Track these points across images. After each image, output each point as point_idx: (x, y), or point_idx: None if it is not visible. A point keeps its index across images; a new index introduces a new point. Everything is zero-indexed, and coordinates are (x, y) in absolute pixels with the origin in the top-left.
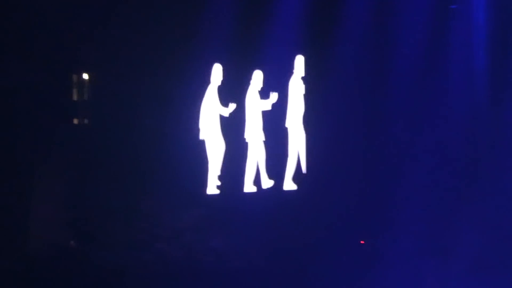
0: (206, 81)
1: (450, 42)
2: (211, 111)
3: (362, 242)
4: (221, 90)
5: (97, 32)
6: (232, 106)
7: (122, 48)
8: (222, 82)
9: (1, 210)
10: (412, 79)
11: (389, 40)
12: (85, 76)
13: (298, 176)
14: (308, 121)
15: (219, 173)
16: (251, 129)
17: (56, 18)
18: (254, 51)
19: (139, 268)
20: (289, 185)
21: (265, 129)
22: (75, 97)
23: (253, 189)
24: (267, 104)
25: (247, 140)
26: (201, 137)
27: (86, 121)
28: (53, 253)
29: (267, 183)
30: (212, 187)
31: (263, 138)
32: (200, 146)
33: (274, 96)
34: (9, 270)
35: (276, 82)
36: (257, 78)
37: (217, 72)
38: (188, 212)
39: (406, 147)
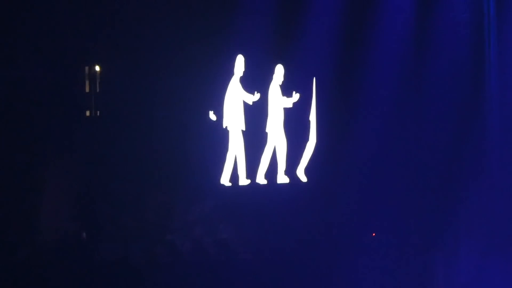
0: (229, 73)
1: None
2: (233, 103)
3: (373, 234)
4: (244, 82)
5: (117, 24)
6: (257, 95)
7: (143, 39)
8: (245, 73)
9: (12, 202)
10: (414, 76)
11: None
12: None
13: (309, 168)
14: (322, 116)
15: (240, 165)
16: (272, 123)
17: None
18: (278, 44)
19: (150, 260)
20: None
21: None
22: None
23: (264, 182)
24: (288, 102)
25: (268, 134)
26: (224, 126)
27: (99, 112)
28: (64, 245)
29: (282, 179)
30: (228, 179)
31: (283, 133)
32: (217, 138)
33: (296, 97)
34: (20, 262)
35: (299, 79)
36: (279, 72)
37: (240, 64)
38: (201, 204)
39: (411, 142)
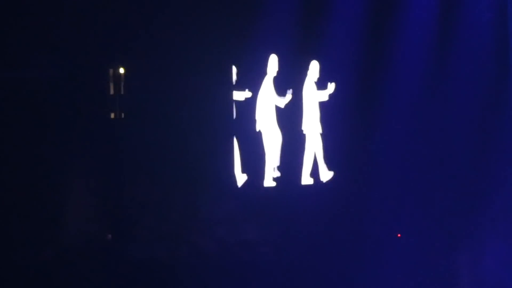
0: (262, 72)
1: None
2: (267, 103)
3: (399, 235)
4: (278, 81)
5: (143, 25)
6: (288, 97)
7: (169, 40)
8: (278, 73)
9: (38, 204)
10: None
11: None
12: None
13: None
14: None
15: (275, 164)
16: (308, 121)
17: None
18: (311, 40)
19: (174, 261)
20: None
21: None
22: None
23: (310, 181)
24: (323, 95)
25: (304, 132)
26: (258, 128)
27: (123, 114)
28: (87, 245)
29: (326, 175)
30: (269, 179)
31: (320, 130)
32: (245, 139)
33: (331, 87)
34: (46, 262)
35: (334, 74)
36: (314, 68)
37: (273, 63)
38: (226, 205)
39: (436, 143)
